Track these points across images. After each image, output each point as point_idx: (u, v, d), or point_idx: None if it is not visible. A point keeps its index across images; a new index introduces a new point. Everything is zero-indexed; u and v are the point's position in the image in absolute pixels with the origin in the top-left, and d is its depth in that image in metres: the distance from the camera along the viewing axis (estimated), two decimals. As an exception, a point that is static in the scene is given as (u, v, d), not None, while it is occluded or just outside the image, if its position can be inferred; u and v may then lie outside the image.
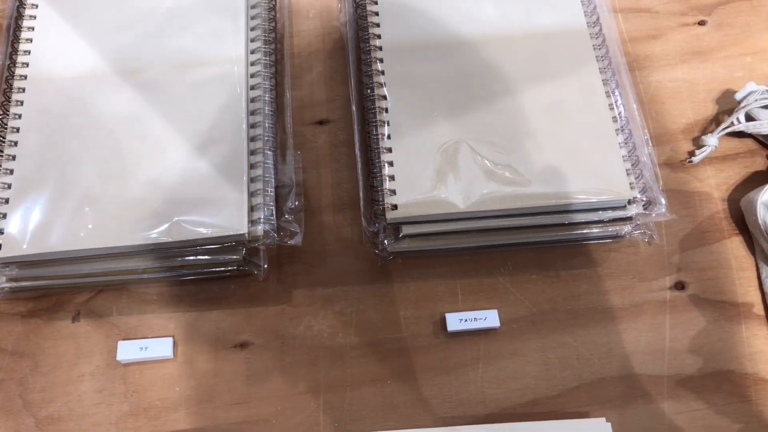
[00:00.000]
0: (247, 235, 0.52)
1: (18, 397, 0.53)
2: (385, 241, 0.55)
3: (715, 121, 0.64)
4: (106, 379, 0.54)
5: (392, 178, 0.54)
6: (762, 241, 0.56)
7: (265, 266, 0.56)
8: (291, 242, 0.54)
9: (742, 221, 0.59)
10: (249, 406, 0.53)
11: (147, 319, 0.56)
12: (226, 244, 0.52)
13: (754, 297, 0.57)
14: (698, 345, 0.55)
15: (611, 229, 0.56)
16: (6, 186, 0.53)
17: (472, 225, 0.55)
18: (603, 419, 0.51)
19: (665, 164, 0.62)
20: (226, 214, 0.52)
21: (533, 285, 0.57)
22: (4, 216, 0.52)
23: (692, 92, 0.65)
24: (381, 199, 0.53)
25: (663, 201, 0.55)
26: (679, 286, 0.57)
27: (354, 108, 0.60)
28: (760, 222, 0.55)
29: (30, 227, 0.52)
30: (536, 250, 0.59)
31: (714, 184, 0.61)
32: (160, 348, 0.54)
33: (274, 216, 0.54)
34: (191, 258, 0.54)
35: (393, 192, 0.53)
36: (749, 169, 0.62)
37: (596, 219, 0.55)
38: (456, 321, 0.55)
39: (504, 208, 0.53)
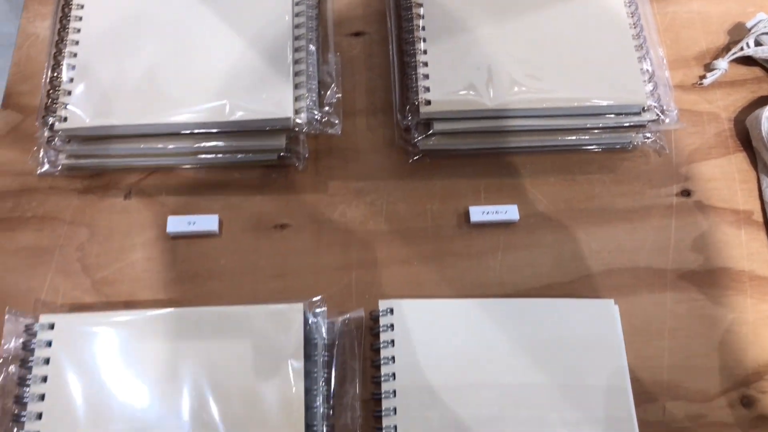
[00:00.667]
0: (291, 120, 0.56)
1: (76, 261, 0.58)
2: (417, 137, 0.59)
3: (726, 49, 0.68)
4: (156, 250, 0.59)
5: (426, 76, 0.59)
6: (765, 154, 0.61)
7: (306, 155, 0.60)
8: (331, 131, 0.59)
9: (746, 140, 0.64)
10: (286, 279, 0.58)
11: (194, 200, 0.61)
12: (272, 128, 0.57)
13: (753, 206, 0.62)
14: (700, 245, 0.60)
15: (625, 138, 0.61)
16: (71, 67, 0.58)
17: (498, 124, 0.59)
18: (611, 300, 0.56)
19: (678, 86, 0.66)
20: (274, 100, 0.57)
21: (550, 187, 0.62)
22: (69, 93, 0.57)
23: (706, 23, 0.70)
24: (415, 95, 0.58)
25: (675, 111, 0.59)
26: (685, 193, 0.62)
27: (390, 18, 0.64)
28: (763, 135, 0.60)
29: (93, 103, 0.56)
30: (554, 155, 0.63)
31: (722, 105, 0.66)
32: (207, 223, 0.59)
33: (317, 105, 0.58)
34: (238, 143, 0.58)
35: (427, 89, 0.58)
36: (755, 94, 0.66)
37: (613, 124, 0.59)
38: (479, 213, 0.60)
39: (529, 107, 0.58)
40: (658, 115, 0.59)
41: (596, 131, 0.60)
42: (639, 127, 0.60)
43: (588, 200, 0.62)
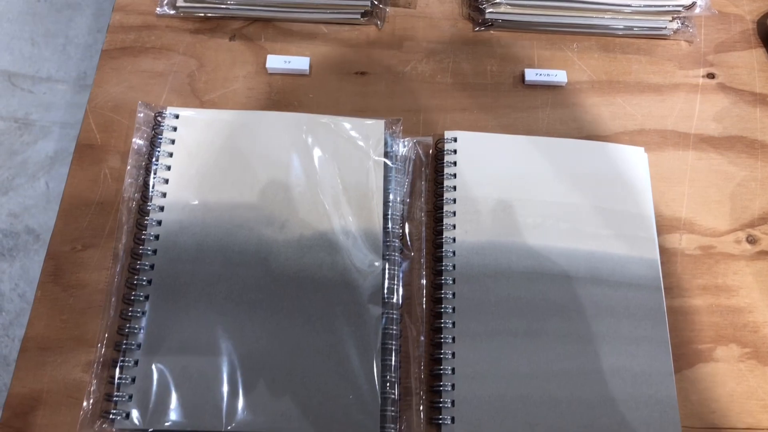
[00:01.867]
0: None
1: (187, 85, 0.68)
2: (484, 4, 0.69)
3: (754, -35, 0.78)
4: (255, 82, 0.69)
5: (498, -48, 0.69)
6: (781, 45, 0.70)
7: (385, 17, 0.70)
8: (409, -4, 0.69)
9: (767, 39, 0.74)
10: (364, 115, 0.67)
11: (288, 47, 0.71)
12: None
13: (769, 90, 0.71)
14: (720, 117, 0.70)
15: (661, 23, 0.71)
16: None
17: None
18: (642, 148, 0.66)
19: (709, -8, 0.76)
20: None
21: (595, 61, 0.72)
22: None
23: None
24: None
25: (707, 1, 0.69)
26: (710, 76, 0.72)
27: None
28: (782, 27, 0.70)
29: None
30: (599, 38, 0.73)
31: (747, 10, 0.76)
32: (300, 63, 0.69)
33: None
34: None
35: (498, -38, 0.68)
36: (777, 3, 0.76)
37: (654, 5, 0.69)
38: (533, 74, 0.70)
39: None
40: (692, 1, 0.69)
41: (638, 12, 0.70)
42: (674, 12, 0.70)
43: (626, 74, 0.71)
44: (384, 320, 0.55)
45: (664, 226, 0.64)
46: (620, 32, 0.72)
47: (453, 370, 0.55)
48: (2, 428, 0.53)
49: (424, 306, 0.58)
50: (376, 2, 0.70)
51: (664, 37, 0.73)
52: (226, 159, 0.59)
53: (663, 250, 0.62)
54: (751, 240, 0.64)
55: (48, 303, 0.57)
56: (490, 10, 0.70)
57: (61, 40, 1.66)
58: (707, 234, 0.64)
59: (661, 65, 0.72)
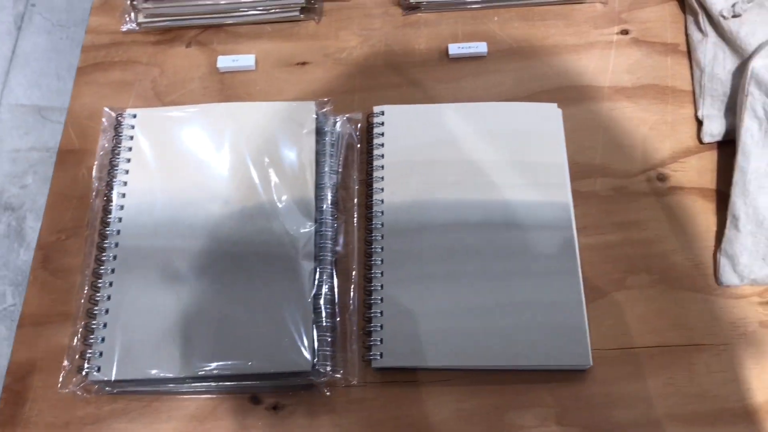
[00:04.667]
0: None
1: (150, 90, 0.78)
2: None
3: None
4: (209, 81, 0.78)
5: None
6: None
7: (320, 8, 0.78)
8: (338, -14, 0.77)
9: (679, -8, 0.79)
10: (308, 99, 0.75)
11: (237, 47, 0.79)
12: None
13: (680, 40, 0.76)
14: (633, 69, 0.75)
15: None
16: (146, -56, 0.78)
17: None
18: (555, 104, 0.72)
19: (624, -46, 0.82)
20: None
21: (515, 30, 0.78)
22: (145, -38, 0.77)
23: None
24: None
25: (611, -37, 0.75)
26: (624, 32, 0.77)
27: None
28: (684, -21, 0.74)
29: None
30: (519, 8, 0.79)
31: (661, -33, 0.81)
32: (246, 60, 0.77)
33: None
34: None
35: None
36: (690, -43, 0.81)
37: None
38: (456, 48, 0.77)
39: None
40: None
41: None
42: (584, -24, 0.76)
43: (544, 39, 0.77)
44: (318, 273, 0.63)
45: (579, 172, 0.70)
46: (535, 2, 0.78)
47: (382, 312, 0.62)
48: (5, 391, 0.63)
49: (356, 260, 0.66)
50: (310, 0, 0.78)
51: (580, 2, 0.79)
52: (176, 148, 0.68)
53: (578, 194, 0.68)
54: (661, 177, 0.69)
55: (39, 285, 0.67)
56: (415, -5, 0.77)
57: (76, 69, 1.78)
58: (620, 176, 0.70)
59: (578, 27, 0.78)
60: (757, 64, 0.63)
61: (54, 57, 1.99)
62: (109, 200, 0.67)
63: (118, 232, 0.65)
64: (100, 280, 0.63)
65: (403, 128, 0.71)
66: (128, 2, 0.79)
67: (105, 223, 0.66)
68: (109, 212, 0.66)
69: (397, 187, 0.68)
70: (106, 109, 0.73)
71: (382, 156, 0.69)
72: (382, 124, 0.71)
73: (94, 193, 0.70)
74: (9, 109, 1.90)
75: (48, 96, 1.90)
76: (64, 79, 1.86)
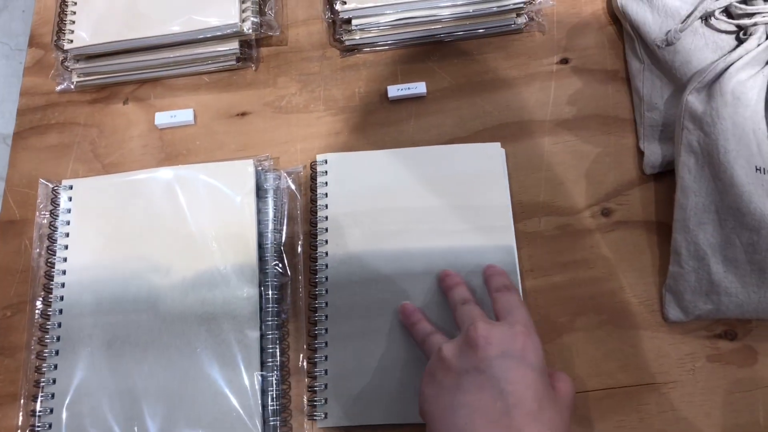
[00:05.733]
0: (239, 25, 0.73)
1: (90, 152, 0.76)
2: (343, 35, 0.76)
3: (603, -55, 0.82)
4: (149, 139, 0.76)
5: (343, -15, 0.75)
6: (624, 22, 0.75)
7: (258, 59, 0.77)
8: (272, 33, 0.76)
9: (616, 16, 0.78)
10: (247, 151, 0.74)
11: (175, 101, 0.78)
12: (225, 33, 0.74)
13: (619, 66, 0.76)
14: (574, 99, 0.74)
15: (509, 21, 0.76)
16: (73, 3, 0.76)
17: (406, 15, 0.74)
18: (498, 144, 0.71)
19: (561, -21, 0.81)
20: (224, 12, 0.74)
21: (454, 67, 0.77)
22: (74, 22, 0.75)
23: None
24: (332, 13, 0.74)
25: (547, -7, 0.74)
26: (564, 61, 0.77)
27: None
28: (619, 6, 0.74)
29: (91, 26, 0.74)
30: (458, 43, 0.78)
31: (598, -10, 0.80)
32: (184, 115, 0.76)
33: (257, 15, 0.75)
34: (202, 51, 0.76)
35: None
36: (627, -22, 0.80)
37: (496, 8, 0.74)
38: (395, 90, 0.76)
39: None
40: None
41: (483, 16, 0.75)
42: (517, 9, 0.75)
43: (484, 74, 0.77)
44: (263, 341, 0.62)
45: (523, 213, 0.69)
46: (473, 35, 0.77)
47: (326, 371, 0.62)
48: (-44, 477, 0.63)
49: (304, 318, 0.65)
50: (245, 48, 0.77)
51: (518, 32, 0.78)
52: (116, 218, 0.67)
53: (524, 235, 0.68)
54: (606, 212, 0.69)
55: (-14, 366, 0.67)
56: (347, 38, 0.76)
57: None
58: (565, 213, 0.69)
59: (517, 59, 0.77)
60: (690, 98, 0.63)
61: (14, 82, 1.96)
62: (50, 277, 0.66)
63: (61, 311, 0.64)
64: (44, 364, 0.62)
65: (346, 176, 0.70)
66: (60, 64, 0.77)
67: (47, 303, 0.65)
68: (50, 290, 0.65)
69: (340, 239, 0.67)
70: (42, 181, 0.71)
71: (326, 206, 0.69)
72: (326, 173, 0.70)
73: (35, 267, 0.69)
74: (-27, 137, 1.87)
75: (10, 123, 1.87)
76: (26, 107, 1.83)
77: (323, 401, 0.61)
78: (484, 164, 0.70)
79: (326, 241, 0.67)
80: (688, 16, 0.67)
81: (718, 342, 0.63)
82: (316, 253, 0.67)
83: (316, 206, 0.69)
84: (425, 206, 0.68)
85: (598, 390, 0.62)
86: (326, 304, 0.64)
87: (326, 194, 0.69)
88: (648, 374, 0.62)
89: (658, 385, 0.62)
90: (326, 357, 0.62)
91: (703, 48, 0.66)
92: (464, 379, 0.50)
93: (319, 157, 0.71)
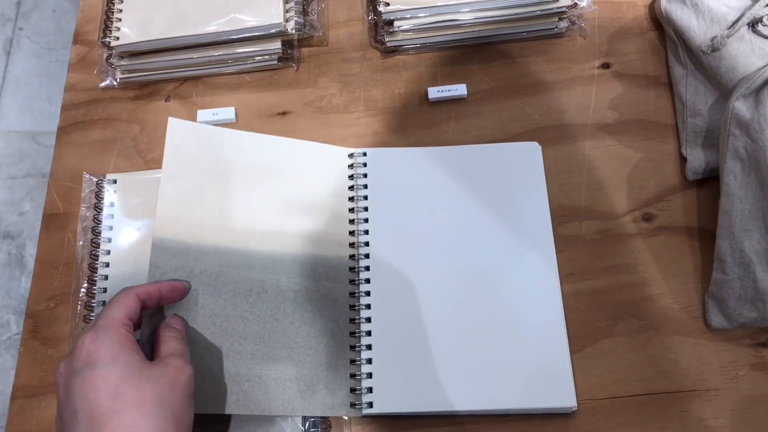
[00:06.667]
0: (283, 25, 0.74)
1: (132, 147, 0.77)
2: (384, 36, 0.76)
3: (645, -50, 0.82)
4: (190, 136, 0.77)
5: (388, -14, 0.75)
6: (667, 28, 0.74)
7: (299, 58, 0.78)
8: (314, 34, 0.77)
9: (658, 21, 0.78)
10: (288, 150, 0.75)
11: (216, 99, 0.79)
12: (269, 32, 0.75)
13: (661, 72, 0.75)
14: (615, 104, 0.74)
15: (550, 24, 0.76)
16: (120, 0, 0.77)
17: (448, 18, 0.75)
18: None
19: (602, -16, 0.81)
20: (268, 11, 0.74)
21: (494, 69, 0.78)
22: (120, 20, 0.76)
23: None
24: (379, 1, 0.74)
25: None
26: (605, 66, 0.76)
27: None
28: (662, 10, 0.74)
29: (137, 25, 0.75)
30: (498, 46, 0.78)
31: (639, -5, 0.80)
32: (226, 113, 0.77)
33: (301, 15, 0.76)
34: (244, 50, 0.76)
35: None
36: (669, -16, 0.80)
37: (539, 12, 0.74)
38: (435, 92, 0.76)
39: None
40: (574, 2, 0.74)
41: (526, 19, 0.75)
42: (560, 13, 0.75)
43: (524, 77, 0.77)
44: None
45: (564, 216, 0.69)
46: (514, 38, 0.77)
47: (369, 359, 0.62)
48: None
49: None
50: (287, 48, 0.78)
51: (559, 36, 0.78)
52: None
53: (564, 239, 0.68)
54: (648, 218, 0.69)
55: (30, 356, 0.67)
56: (389, 39, 0.76)
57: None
58: (606, 218, 0.69)
59: (558, 62, 0.77)
60: (737, 104, 0.62)
61: (45, 80, 1.98)
62: (93, 269, 0.66)
63: (103, 303, 0.65)
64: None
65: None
66: (104, 60, 0.78)
67: (90, 294, 0.65)
68: (94, 282, 0.66)
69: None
70: (86, 175, 0.72)
71: (365, 198, 0.69)
72: (364, 165, 0.71)
73: (79, 259, 0.69)
74: (2, 136, 1.90)
75: (40, 121, 1.90)
76: (55, 103, 1.86)
77: (367, 390, 0.61)
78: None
79: (366, 232, 0.67)
80: (735, 22, 0.66)
81: (762, 350, 0.62)
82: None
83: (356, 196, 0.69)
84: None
85: (640, 395, 0.62)
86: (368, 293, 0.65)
87: (365, 186, 0.69)
88: (689, 381, 0.62)
89: (700, 392, 0.61)
90: (369, 346, 0.62)
91: (749, 54, 0.66)
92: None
93: (358, 150, 0.72)
